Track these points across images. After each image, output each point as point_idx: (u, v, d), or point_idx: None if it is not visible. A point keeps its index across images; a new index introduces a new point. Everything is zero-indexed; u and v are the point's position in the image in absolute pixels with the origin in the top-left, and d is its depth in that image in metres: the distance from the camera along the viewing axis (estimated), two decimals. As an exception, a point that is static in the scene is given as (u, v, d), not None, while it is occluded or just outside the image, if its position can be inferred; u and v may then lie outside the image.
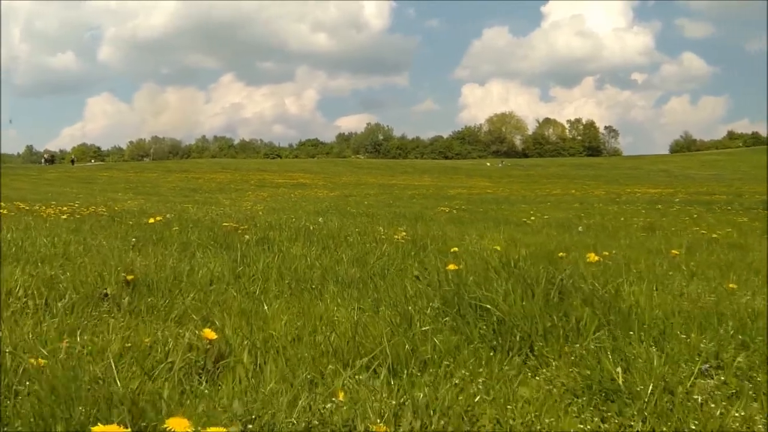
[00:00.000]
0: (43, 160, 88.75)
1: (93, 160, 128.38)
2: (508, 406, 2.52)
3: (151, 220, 7.01)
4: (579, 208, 15.23)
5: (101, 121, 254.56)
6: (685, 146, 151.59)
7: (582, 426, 2.42)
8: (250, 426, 2.28)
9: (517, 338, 3.31)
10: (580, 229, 7.46)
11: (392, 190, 28.39)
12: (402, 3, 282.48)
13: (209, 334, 2.97)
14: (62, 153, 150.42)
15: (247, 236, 6.38)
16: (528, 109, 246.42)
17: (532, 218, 9.62)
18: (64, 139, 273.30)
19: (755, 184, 36.05)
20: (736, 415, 2.44)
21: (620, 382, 2.72)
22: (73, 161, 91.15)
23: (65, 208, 8.70)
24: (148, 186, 29.72)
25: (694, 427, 2.39)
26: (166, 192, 24.09)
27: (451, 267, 4.14)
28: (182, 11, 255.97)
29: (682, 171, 74.73)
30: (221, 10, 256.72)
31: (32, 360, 2.60)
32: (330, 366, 2.85)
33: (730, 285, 4.45)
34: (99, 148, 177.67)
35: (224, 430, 1.88)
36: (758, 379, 2.77)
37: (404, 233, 6.86)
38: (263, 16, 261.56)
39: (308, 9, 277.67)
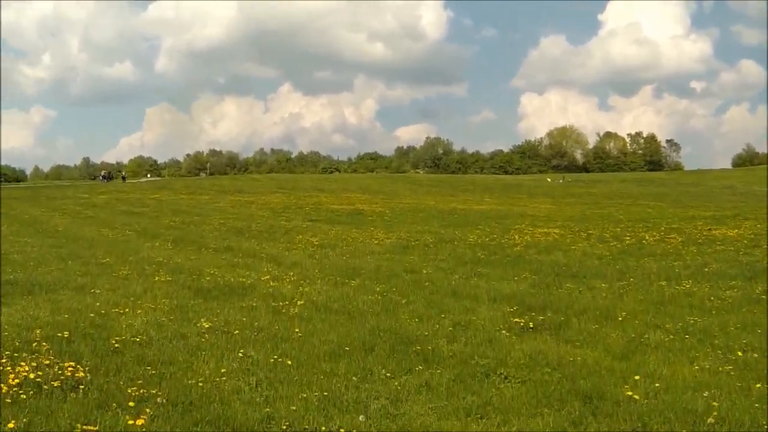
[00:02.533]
0: (101, 177, 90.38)
1: (149, 175, 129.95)
2: None
3: None
4: (667, 291, 11.87)
5: (159, 131, 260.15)
6: (748, 159, 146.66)
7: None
8: None
9: None
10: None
11: (453, 227, 25.82)
12: (458, 13, 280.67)
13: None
14: (119, 165, 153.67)
15: None
16: (587, 117, 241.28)
17: (636, 377, 7.02)
18: (123, 149, 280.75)
19: None
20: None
21: None
22: (124, 178, 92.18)
23: (15, 382, 6.09)
24: (194, 221, 27.86)
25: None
26: (208, 236, 22.17)
27: None
28: (237, 21, 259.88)
29: (747, 187, 72.68)
30: (276, 19, 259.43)
31: None
32: None
33: None
34: (155, 161, 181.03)
35: None
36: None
37: None
38: (319, 25, 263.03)
39: (364, 19, 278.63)
